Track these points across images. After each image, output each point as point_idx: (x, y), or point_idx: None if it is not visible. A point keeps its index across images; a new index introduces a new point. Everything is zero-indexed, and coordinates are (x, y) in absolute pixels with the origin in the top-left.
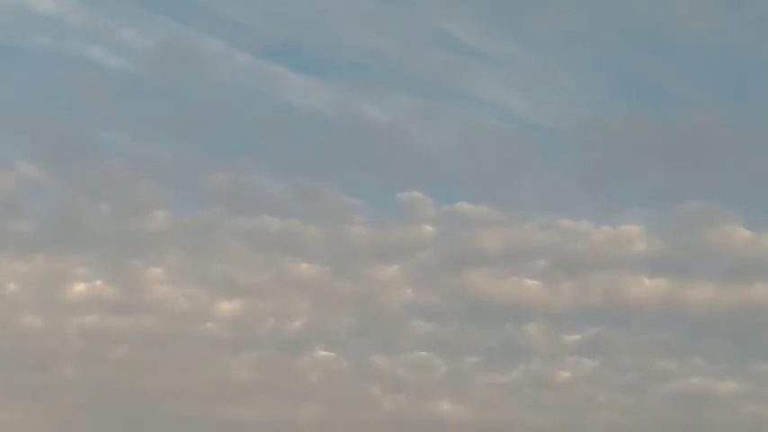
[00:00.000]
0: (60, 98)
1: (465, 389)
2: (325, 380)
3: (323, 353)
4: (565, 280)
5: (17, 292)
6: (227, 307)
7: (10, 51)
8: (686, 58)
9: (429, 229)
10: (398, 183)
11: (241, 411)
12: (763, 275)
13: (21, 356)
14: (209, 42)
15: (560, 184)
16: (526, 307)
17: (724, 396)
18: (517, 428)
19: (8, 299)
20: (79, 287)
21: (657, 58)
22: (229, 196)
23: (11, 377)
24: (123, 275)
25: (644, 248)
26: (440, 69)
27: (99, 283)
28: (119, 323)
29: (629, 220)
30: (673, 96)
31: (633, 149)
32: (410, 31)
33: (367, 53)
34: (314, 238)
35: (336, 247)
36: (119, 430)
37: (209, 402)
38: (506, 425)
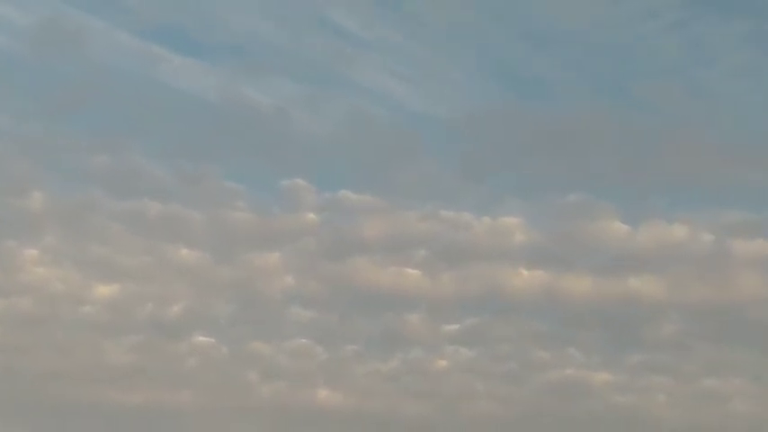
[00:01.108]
0: None
1: (344, 376)
2: (203, 366)
3: (202, 338)
4: (445, 270)
5: None
6: (104, 290)
7: None
8: (568, 53)
9: (311, 216)
10: (282, 169)
11: (117, 396)
12: (638, 269)
13: None
14: (90, 21)
15: (442, 175)
16: (407, 296)
17: (598, 386)
18: (395, 416)
19: None
20: None
21: (540, 52)
22: (109, 178)
23: None
24: None
25: (523, 240)
26: (324, 56)
27: None
28: None
29: (510, 211)
30: (554, 90)
31: (515, 142)
32: (295, 17)
33: (251, 38)
34: (195, 223)
35: (218, 232)
36: None
37: (84, 386)
38: (385, 413)
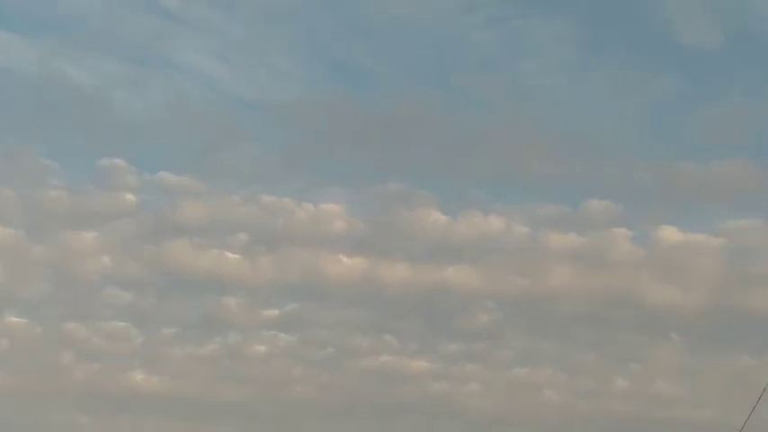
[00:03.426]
0: None
1: (161, 360)
2: (15, 347)
3: (14, 319)
4: (265, 255)
5: None
6: None
7: None
8: (390, 44)
9: (130, 197)
10: (100, 148)
11: None
12: (455, 259)
13: None
14: None
15: (264, 160)
16: (226, 280)
17: (414, 374)
18: (213, 401)
19: None
20: None
21: (363, 42)
22: None
23: None
24: None
25: (344, 227)
26: (146, 36)
27: None
28: None
29: (331, 198)
30: (376, 80)
31: (337, 130)
32: None
33: (71, 14)
34: (7, 200)
35: (31, 210)
36: None
37: None
38: (202, 397)
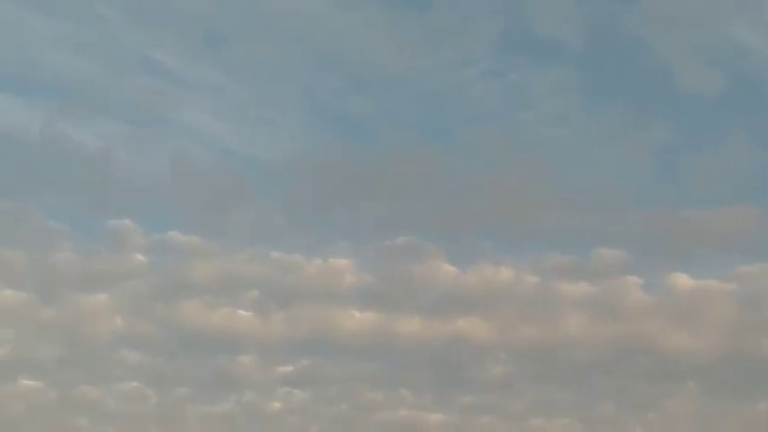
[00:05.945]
0: None
1: (176, 420)
2: (29, 411)
3: (27, 382)
4: (276, 311)
5: None
6: None
7: None
8: (391, 98)
9: (139, 257)
10: (108, 210)
11: None
12: (466, 310)
13: None
14: None
15: (270, 217)
16: (238, 338)
17: (430, 427)
18: None
19: None
20: None
21: (363, 96)
22: None
23: None
24: None
25: (354, 282)
26: (147, 96)
27: None
28: None
29: (339, 253)
30: (378, 134)
31: (340, 184)
32: (116, 56)
33: (71, 76)
34: (18, 264)
35: (42, 273)
36: None
37: None
38: None
